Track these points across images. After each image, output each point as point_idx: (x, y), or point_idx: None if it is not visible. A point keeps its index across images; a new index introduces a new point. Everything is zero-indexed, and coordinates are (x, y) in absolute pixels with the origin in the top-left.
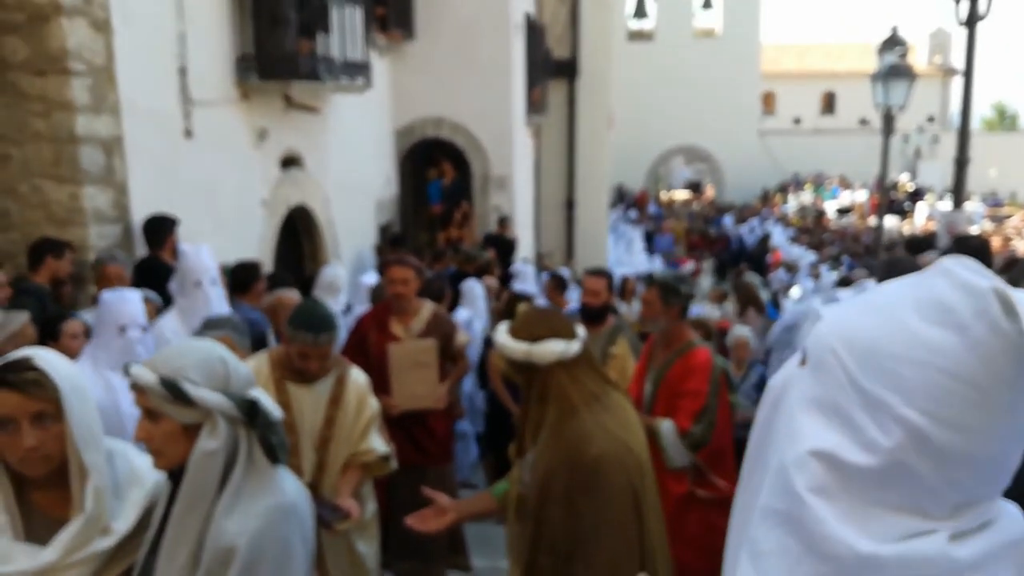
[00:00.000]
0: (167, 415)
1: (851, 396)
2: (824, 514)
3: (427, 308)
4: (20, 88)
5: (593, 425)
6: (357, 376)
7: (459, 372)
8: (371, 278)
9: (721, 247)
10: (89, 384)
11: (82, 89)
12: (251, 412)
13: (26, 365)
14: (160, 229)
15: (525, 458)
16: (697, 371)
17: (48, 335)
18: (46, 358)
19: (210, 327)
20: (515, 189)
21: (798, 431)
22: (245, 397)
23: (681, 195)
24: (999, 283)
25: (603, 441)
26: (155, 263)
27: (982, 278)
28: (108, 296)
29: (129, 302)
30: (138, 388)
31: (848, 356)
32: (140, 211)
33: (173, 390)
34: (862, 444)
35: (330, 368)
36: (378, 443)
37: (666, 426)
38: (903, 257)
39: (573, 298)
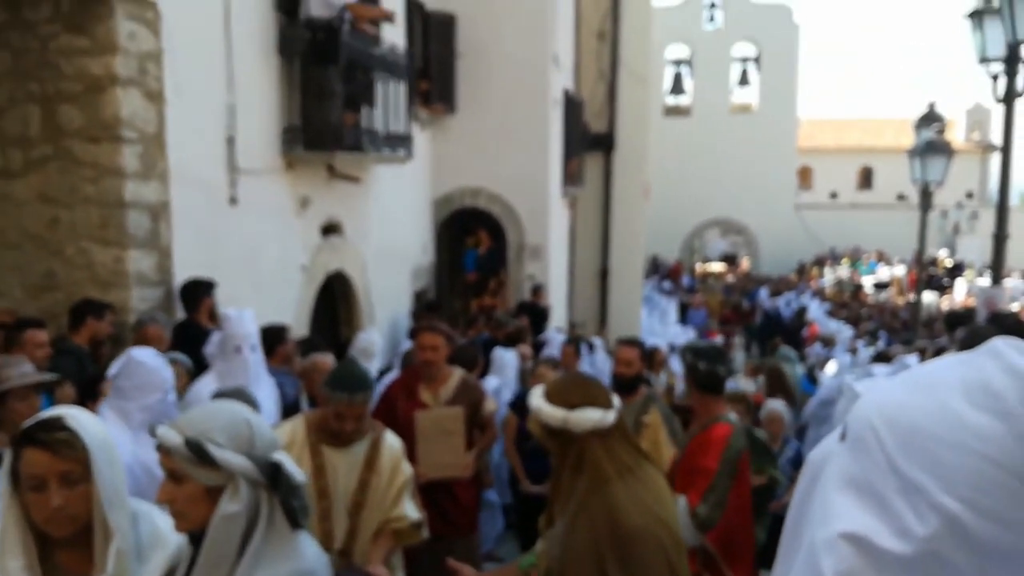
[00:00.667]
0: (191, 477)
1: (888, 478)
2: None
3: (456, 375)
4: (74, 154)
5: (627, 497)
6: (392, 440)
7: (487, 441)
8: (405, 346)
9: (753, 319)
10: (120, 442)
11: (133, 156)
12: (274, 475)
13: (58, 425)
14: (196, 292)
15: (553, 529)
16: (711, 446)
17: (87, 395)
18: (77, 418)
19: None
20: (550, 258)
21: (831, 511)
22: (269, 460)
23: (716, 267)
24: None
25: (638, 515)
26: (191, 326)
27: None
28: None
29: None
30: (163, 449)
31: (888, 435)
32: (183, 274)
33: (198, 452)
34: (896, 530)
35: (366, 431)
36: (411, 509)
37: (680, 502)
38: (984, 327)
39: (603, 368)
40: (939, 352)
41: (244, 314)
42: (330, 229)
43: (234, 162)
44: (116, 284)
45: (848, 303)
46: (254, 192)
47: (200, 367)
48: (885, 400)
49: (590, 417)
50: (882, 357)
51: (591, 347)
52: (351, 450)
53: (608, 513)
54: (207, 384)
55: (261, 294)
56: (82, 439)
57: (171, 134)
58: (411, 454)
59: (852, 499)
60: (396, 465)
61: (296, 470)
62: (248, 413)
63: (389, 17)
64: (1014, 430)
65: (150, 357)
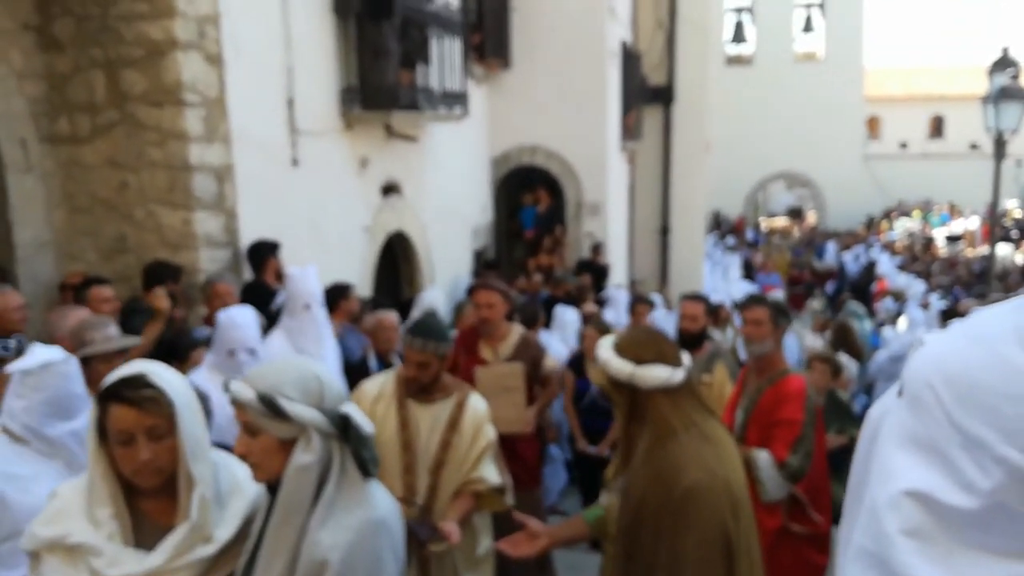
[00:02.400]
0: (264, 430)
1: (948, 434)
2: (914, 559)
3: (516, 332)
4: (138, 119)
5: (689, 453)
6: (477, 403)
7: (547, 396)
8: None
9: (830, 280)
10: (210, 391)
11: (196, 120)
12: (344, 427)
13: (142, 382)
14: (262, 253)
15: (617, 482)
16: (792, 399)
17: (170, 356)
18: (160, 374)
19: None
20: (608, 215)
21: (893, 469)
22: (338, 412)
23: (781, 222)
24: None
25: (697, 471)
26: (259, 286)
27: None
28: (221, 318)
29: (239, 328)
30: (237, 403)
31: (945, 391)
32: (248, 236)
33: (270, 405)
34: (960, 484)
35: (452, 390)
36: (491, 473)
37: (763, 457)
38: None
39: (664, 325)
40: None
41: (308, 271)
42: (390, 189)
43: (294, 123)
44: (185, 246)
45: (919, 256)
46: (315, 153)
47: (270, 324)
48: (940, 355)
49: (658, 375)
50: (953, 312)
51: (652, 304)
52: (435, 408)
53: (667, 468)
54: (276, 340)
55: (325, 254)
56: (167, 395)
57: (232, 97)
58: None
59: (913, 456)
60: (479, 427)
61: (365, 421)
62: (317, 367)
63: None
64: None
65: (226, 317)
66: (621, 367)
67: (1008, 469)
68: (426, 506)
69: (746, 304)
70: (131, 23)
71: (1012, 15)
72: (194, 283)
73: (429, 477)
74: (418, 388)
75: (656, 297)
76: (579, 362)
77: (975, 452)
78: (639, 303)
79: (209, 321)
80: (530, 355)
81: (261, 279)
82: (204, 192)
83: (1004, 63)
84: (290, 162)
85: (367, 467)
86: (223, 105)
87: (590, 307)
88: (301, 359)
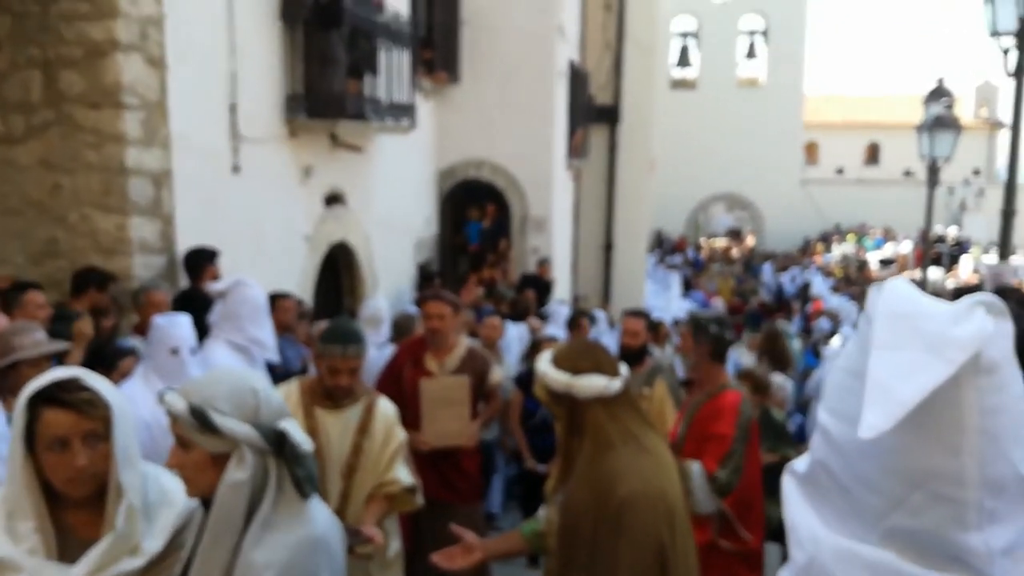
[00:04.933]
0: (197, 444)
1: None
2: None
3: (463, 344)
4: (75, 120)
5: (627, 464)
6: (385, 406)
7: (491, 411)
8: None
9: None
10: (143, 402)
11: (134, 123)
12: (279, 444)
13: (77, 385)
14: (199, 261)
15: (556, 496)
16: (724, 413)
17: (99, 364)
18: (92, 378)
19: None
20: (553, 231)
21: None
22: (274, 428)
23: (721, 242)
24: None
25: (634, 482)
26: (194, 294)
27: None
28: (160, 320)
29: (181, 326)
30: (171, 415)
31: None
32: (186, 243)
33: (201, 419)
34: (807, 453)
35: (359, 395)
36: (404, 474)
37: (696, 469)
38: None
39: (605, 341)
40: None
41: (177, 319)
42: (333, 199)
43: (237, 130)
44: (119, 251)
45: (853, 279)
46: (257, 160)
47: (203, 334)
48: None
49: (595, 384)
50: None
51: (593, 320)
52: (345, 413)
53: (604, 479)
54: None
55: (264, 263)
56: (104, 398)
57: (173, 101)
58: (416, 422)
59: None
60: (390, 430)
61: (304, 438)
62: (256, 380)
63: None
64: (859, 340)
65: (166, 317)
66: (558, 378)
67: (820, 429)
68: (339, 511)
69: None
70: (72, 23)
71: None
72: (126, 289)
73: (341, 482)
74: (326, 395)
75: (599, 313)
76: (528, 380)
77: (816, 424)
78: (579, 316)
79: (140, 330)
80: (476, 368)
81: (197, 287)
82: (140, 197)
83: (939, 93)
84: (231, 169)
85: (302, 486)
86: (164, 109)
87: (535, 322)
88: (241, 371)
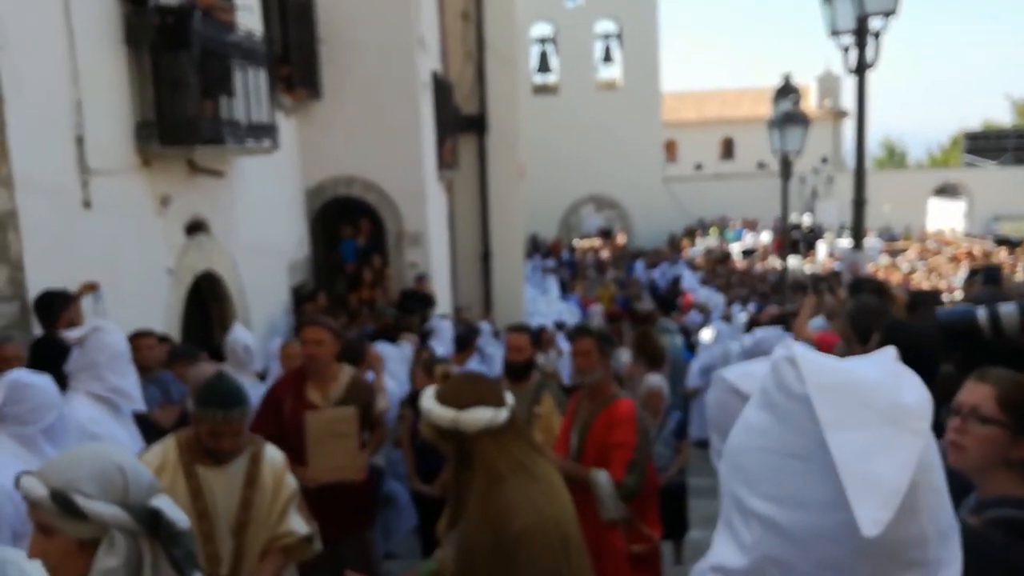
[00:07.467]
0: (61, 530)
1: (727, 502)
2: None
3: (346, 373)
4: None
5: (519, 497)
6: (273, 454)
7: (376, 440)
8: (277, 343)
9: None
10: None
11: None
12: (153, 524)
13: None
14: (52, 305)
15: (450, 534)
16: (623, 423)
17: None
18: None
19: None
20: (430, 244)
21: (712, 549)
22: (146, 507)
23: (593, 242)
24: (795, 351)
25: (528, 514)
26: (50, 342)
27: (783, 350)
28: (8, 381)
29: (40, 389)
30: (30, 502)
31: (725, 463)
32: (37, 287)
33: (64, 504)
34: (738, 546)
35: (243, 447)
36: (298, 524)
37: (602, 477)
38: (865, 301)
39: (491, 352)
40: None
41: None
42: (195, 228)
43: (85, 163)
44: None
45: (718, 271)
46: (109, 194)
47: (62, 384)
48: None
49: (481, 416)
50: (756, 322)
51: (477, 332)
52: (229, 468)
53: (498, 514)
54: (80, 405)
55: (127, 301)
56: None
57: (13, 136)
58: (301, 457)
59: (720, 531)
60: (279, 479)
61: (180, 516)
62: (121, 457)
63: None
64: (776, 415)
65: (32, 376)
66: (443, 414)
67: (759, 519)
68: (232, 572)
69: (574, 336)
70: None
71: (792, 39)
72: None
73: (232, 540)
74: (207, 452)
75: (484, 326)
76: (415, 398)
77: (741, 512)
78: (470, 336)
79: None
80: (362, 397)
81: (52, 334)
82: None
83: (786, 90)
84: (82, 204)
85: (181, 567)
86: (3, 146)
87: (411, 338)
88: (104, 448)
